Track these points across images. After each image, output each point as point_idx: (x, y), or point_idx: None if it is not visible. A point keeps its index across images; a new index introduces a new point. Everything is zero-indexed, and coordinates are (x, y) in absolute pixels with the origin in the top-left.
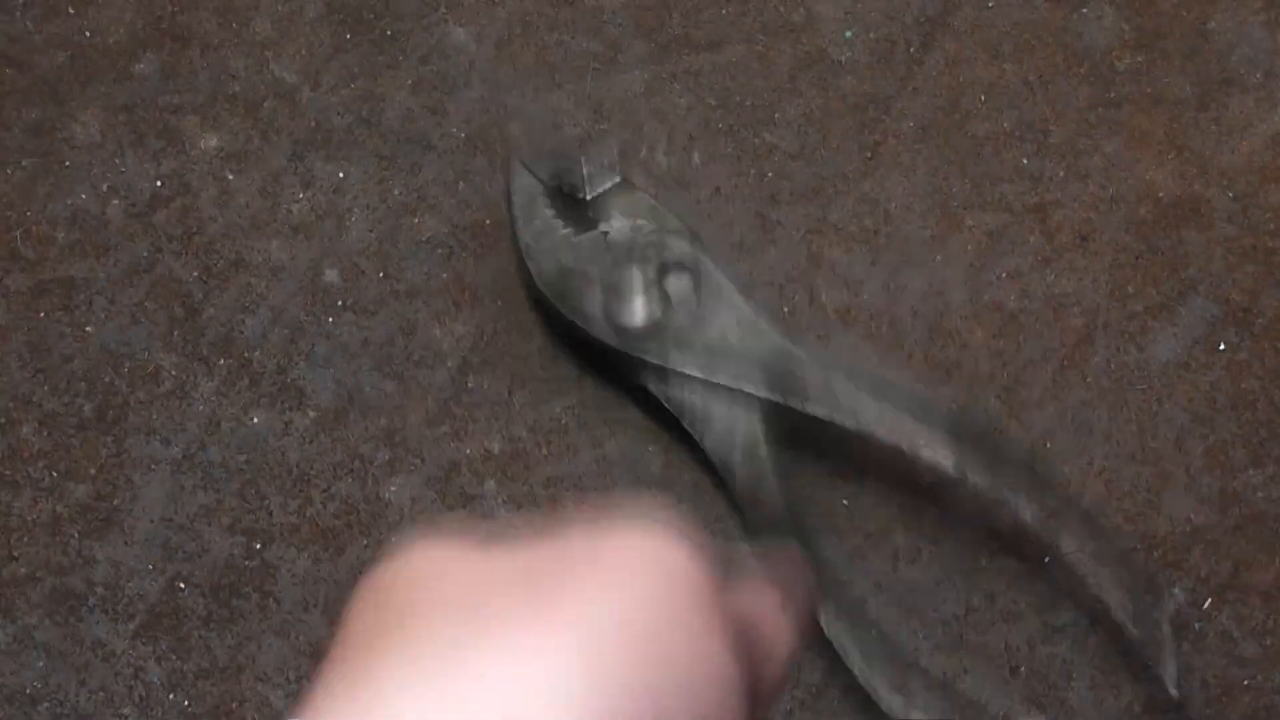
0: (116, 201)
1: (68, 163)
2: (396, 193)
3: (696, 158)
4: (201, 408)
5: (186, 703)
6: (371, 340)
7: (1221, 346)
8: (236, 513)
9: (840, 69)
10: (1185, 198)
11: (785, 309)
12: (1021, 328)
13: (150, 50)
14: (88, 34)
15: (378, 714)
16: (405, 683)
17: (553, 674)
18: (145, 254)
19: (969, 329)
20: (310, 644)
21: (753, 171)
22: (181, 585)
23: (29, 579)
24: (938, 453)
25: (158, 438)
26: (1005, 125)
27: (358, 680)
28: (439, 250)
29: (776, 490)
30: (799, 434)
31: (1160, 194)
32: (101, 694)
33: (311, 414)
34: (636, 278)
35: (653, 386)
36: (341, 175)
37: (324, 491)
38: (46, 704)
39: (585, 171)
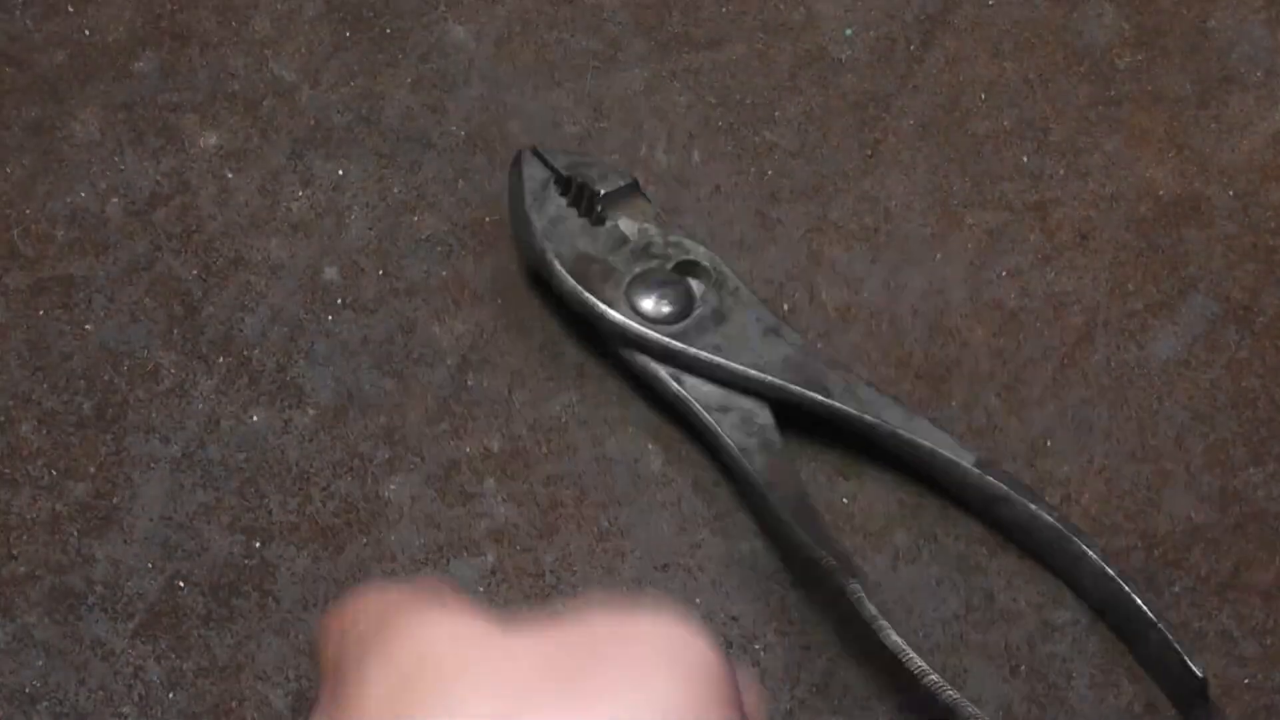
0: (116, 200)
1: (67, 161)
2: (396, 191)
3: (696, 156)
4: (201, 406)
5: (186, 701)
6: (371, 338)
7: (1230, 348)
8: (236, 511)
9: (840, 67)
10: (1185, 196)
11: (785, 307)
12: (1022, 326)
13: (149, 48)
14: (87, 32)
15: None
16: None
17: None
18: (144, 252)
19: (969, 327)
20: (310, 643)
21: (753, 169)
22: (181, 584)
23: (28, 577)
24: (958, 452)
25: (157, 436)
26: (1005, 123)
27: None
28: (439, 248)
29: (796, 475)
30: (813, 429)
31: (1160, 192)
32: (101, 693)
33: (311, 412)
34: (659, 271)
35: (669, 374)
36: (341, 173)
37: (323, 490)
38: (46, 703)
39: (598, 169)
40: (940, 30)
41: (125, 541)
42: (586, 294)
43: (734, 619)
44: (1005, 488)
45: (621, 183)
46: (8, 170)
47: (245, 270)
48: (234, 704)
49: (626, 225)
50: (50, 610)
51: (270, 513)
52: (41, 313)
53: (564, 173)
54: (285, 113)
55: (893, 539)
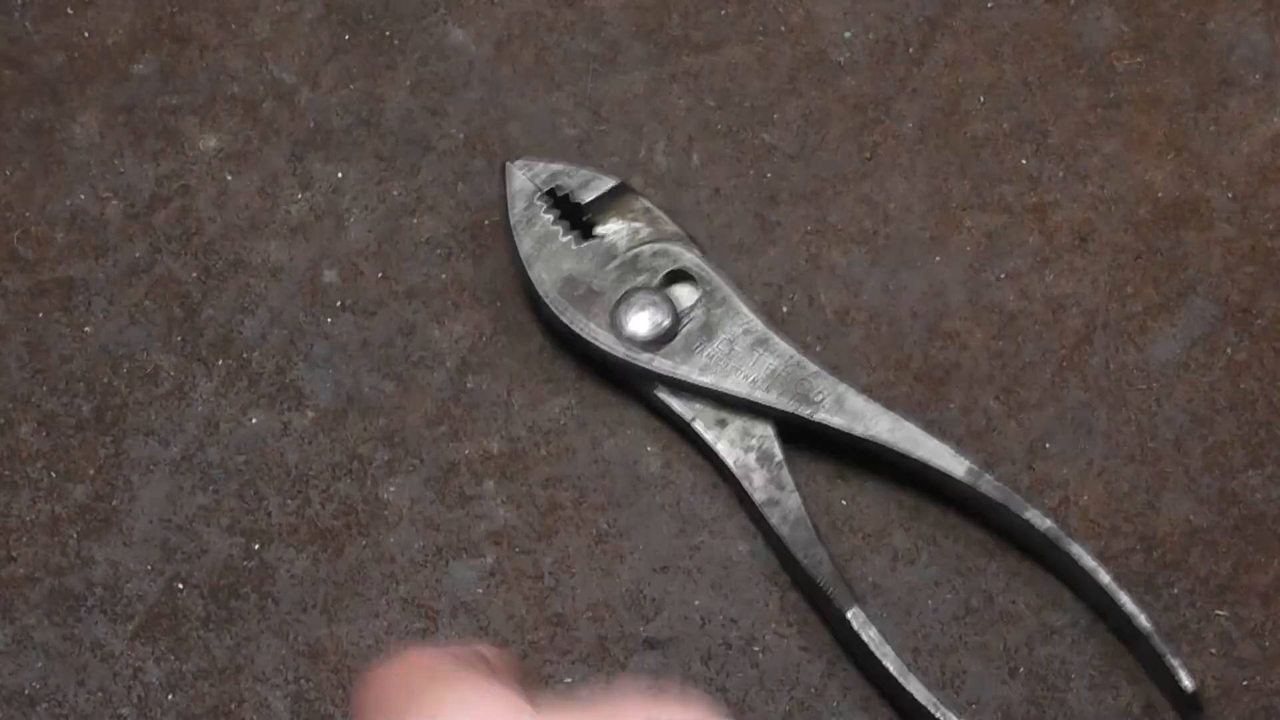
0: (115, 202)
1: (66, 163)
2: (395, 193)
3: (696, 159)
4: (200, 408)
5: (185, 703)
6: (370, 341)
7: (1228, 351)
8: (235, 513)
9: (840, 70)
10: (1184, 198)
11: (784, 310)
12: (1020, 328)
13: (149, 51)
14: (87, 34)
15: None
16: None
17: None
18: (144, 254)
19: (968, 329)
20: (309, 644)
21: (752, 172)
22: (180, 586)
23: (28, 580)
24: (950, 462)
25: (156, 438)
26: (1004, 126)
27: None
28: (438, 251)
29: (795, 492)
30: (809, 440)
31: (1159, 194)
32: (100, 694)
33: (310, 414)
34: (643, 288)
35: (662, 395)
36: (340, 176)
37: (323, 492)
38: (45, 704)
39: (580, 177)
40: (939, 33)
41: (124, 544)
42: (572, 325)
43: (733, 620)
44: (996, 497)
45: (606, 187)
46: (7, 172)
47: (245, 273)
48: (233, 705)
49: (617, 231)
50: (50, 612)
51: (269, 515)
52: (41, 315)
53: (548, 186)
54: (285, 115)
55: (891, 541)
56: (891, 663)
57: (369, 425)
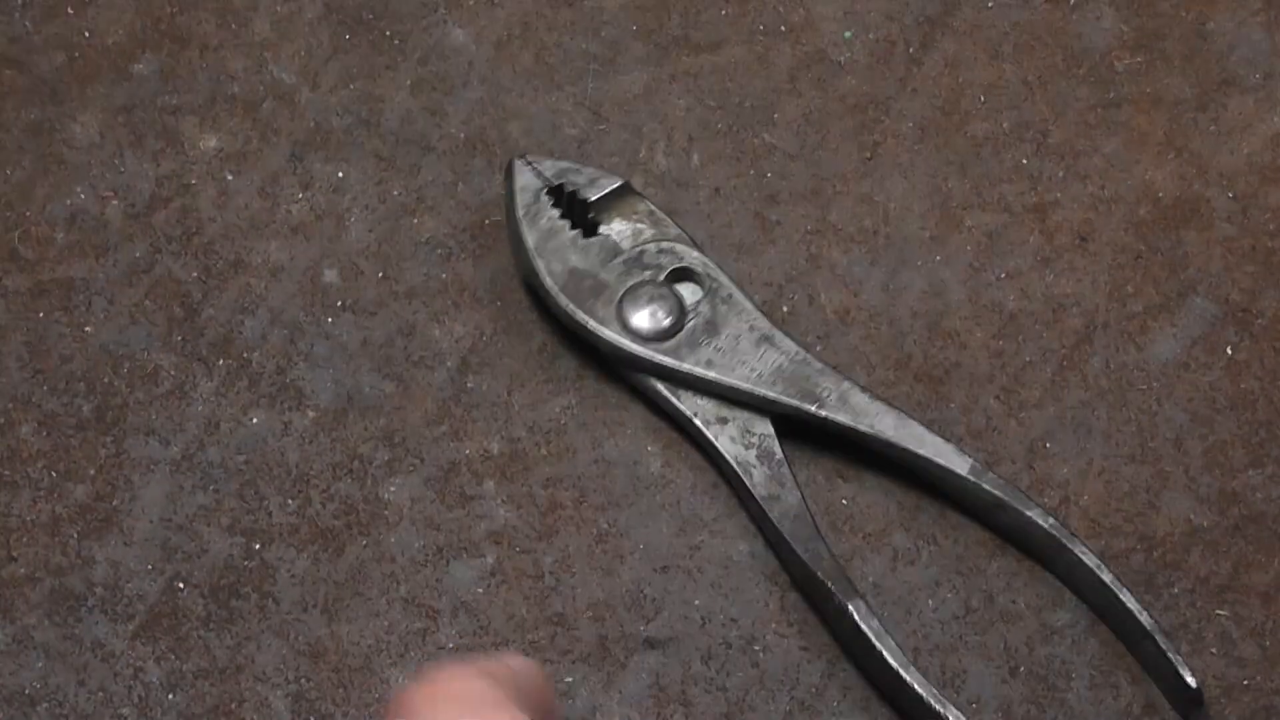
0: (116, 202)
1: (67, 163)
2: (395, 193)
3: (696, 158)
4: (200, 408)
5: (185, 703)
6: (371, 340)
7: (1229, 351)
8: (236, 513)
9: (839, 69)
10: (1185, 198)
11: (785, 309)
12: (1021, 328)
13: (149, 51)
14: (87, 34)
15: None
16: None
17: None
18: (144, 254)
19: (968, 329)
20: (309, 644)
21: (752, 172)
22: (181, 586)
23: (28, 579)
24: (953, 459)
25: (157, 438)
26: (1004, 125)
27: None
28: (438, 251)
29: (796, 489)
30: (811, 436)
31: (1160, 194)
32: (100, 694)
33: (311, 414)
34: (650, 283)
35: (665, 388)
36: (340, 176)
37: (323, 492)
38: (45, 704)
39: (587, 174)
40: (939, 33)
41: (125, 543)
42: (579, 314)
43: (733, 620)
44: (1000, 495)
45: (612, 186)
46: (7, 172)
47: (245, 273)
48: (233, 705)
49: (620, 230)
50: (50, 612)
51: (270, 514)
52: (41, 315)
53: (554, 182)
54: (285, 115)
55: (892, 540)
56: (893, 655)
57: (369, 425)
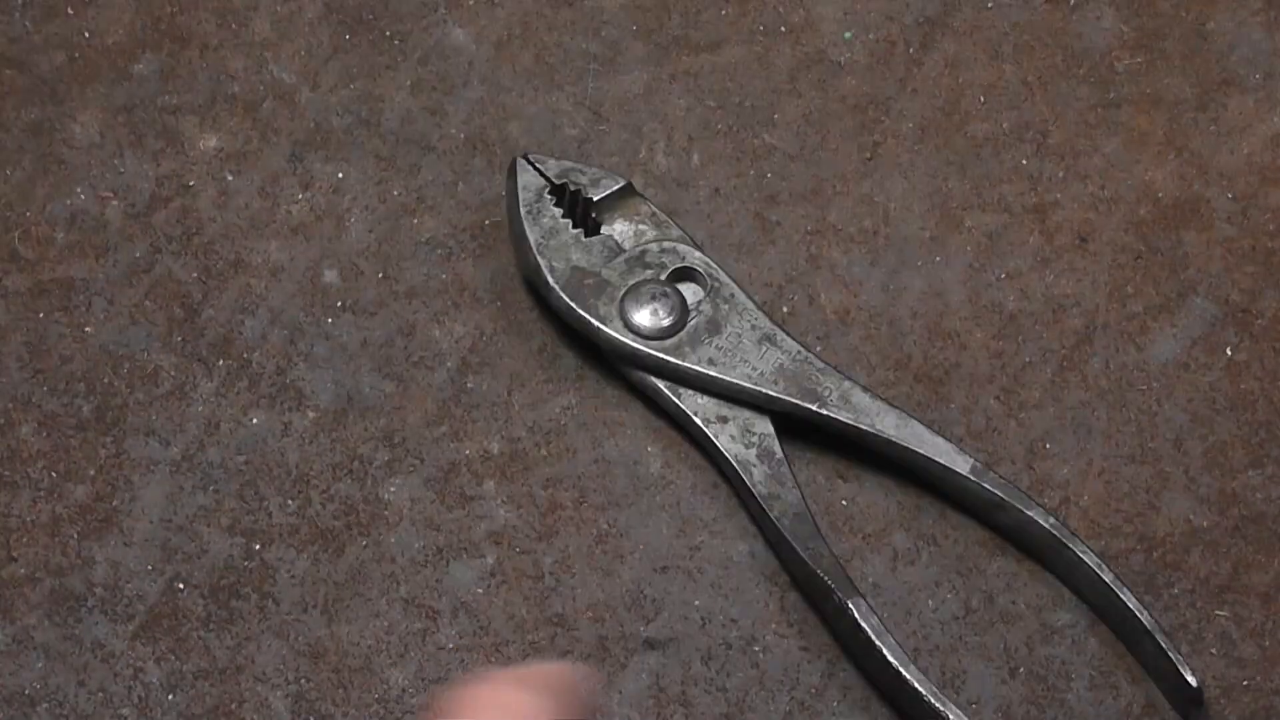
0: (116, 202)
1: (67, 163)
2: (396, 193)
3: (696, 159)
4: (201, 408)
5: (185, 703)
6: (371, 341)
7: (1229, 351)
8: (236, 513)
9: (839, 70)
10: (1185, 198)
11: (785, 309)
12: (1021, 328)
13: (149, 51)
14: (87, 34)
15: None
16: None
17: None
18: (144, 255)
19: (968, 329)
20: (309, 644)
21: (752, 172)
22: (181, 586)
23: (28, 580)
24: (954, 459)
25: (157, 438)
26: (1004, 126)
27: None
28: (438, 251)
29: (796, 488)
30: (811, 435)
31: (1160, 194)
32: (100, 695)
33: (311, 415)
34: (652, 282)
35: (666, 386)
36: (341, 176)
37: (323, 492)
38: (45, 705)
39: (590, 174)
40: (939, 33)
41: (125, 544)
42: (581, 312)
43: (733, 620)
44: (1000, 494)
45: (614, 186)
46: (7, 172)
47: (245, 273)
48: (233, 706)
49: (622, 230)
50: (50, 612)
51: (270, 515)
52: (41, 315)
53: (557, 181)
54: (285, 115)
55: (892, 540)
56: (892, 653)
57: (369, 425)
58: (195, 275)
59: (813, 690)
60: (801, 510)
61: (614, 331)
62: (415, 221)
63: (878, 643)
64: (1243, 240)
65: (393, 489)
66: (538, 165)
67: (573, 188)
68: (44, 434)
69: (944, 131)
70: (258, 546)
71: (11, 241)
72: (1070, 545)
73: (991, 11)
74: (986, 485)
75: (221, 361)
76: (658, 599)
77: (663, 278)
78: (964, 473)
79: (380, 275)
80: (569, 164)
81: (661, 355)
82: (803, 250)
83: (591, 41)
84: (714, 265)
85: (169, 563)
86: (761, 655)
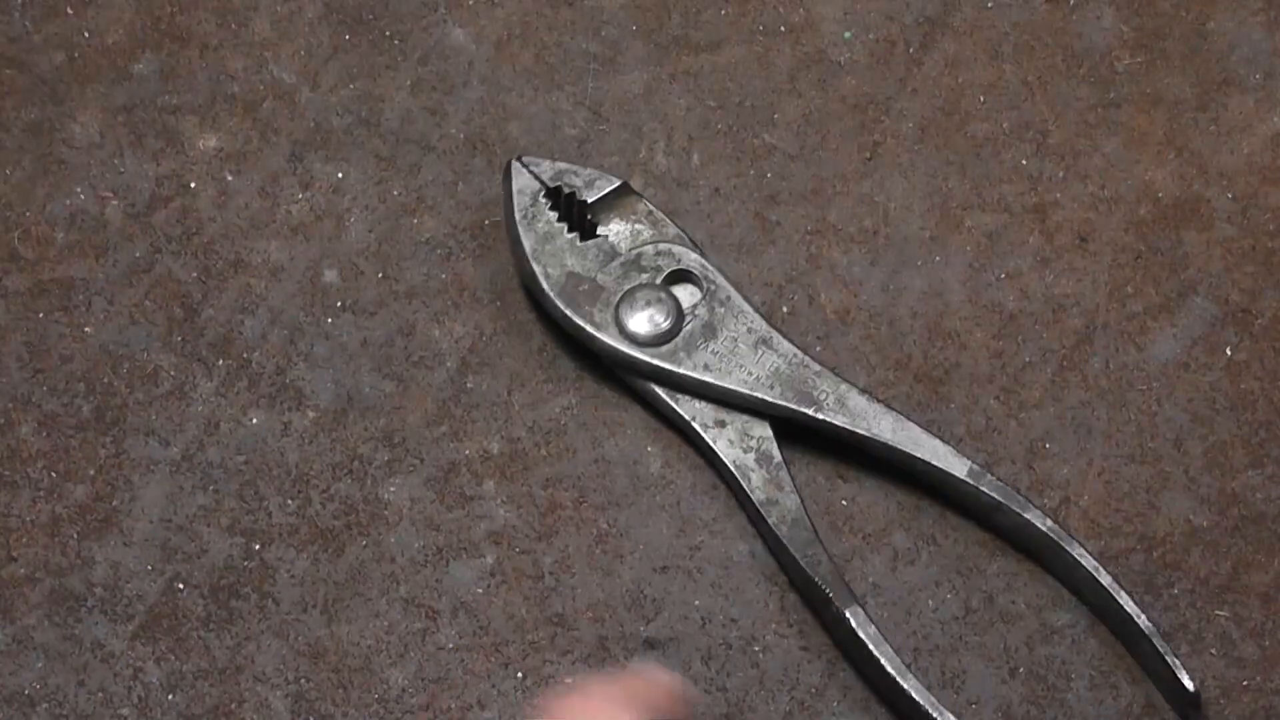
0: (115, 202)
1: (66, 163)
2: (395, 193)
3: (696, 158)
4: (200, 408)
5: (185, 703)
6: (370, 341)
7: (1229, 351)
8: (235, 513)
9: (840, 70)
10: (1185, 198)
11: (785, 309)
12: (1021, 328)
13: (149, 51)
14: (86, 34)
15: None
16: None
17: None
18: (144, 255)
19: (968, 329)
20: (309, 644)
21: (752, 172)
22: (180, 586)
23: (28, 580)
24: (952, 461)
25: (157, 438)
26: (1004, 126)
27: None
28: (438, 251)
29: (794, 493)
30: (810, 438)
31: (1160, 194)
32: (100, 694)
33: (310, 414)
34: (647, 286)
35: (663, 392)
36: (340, 176)
37: (323, 492)
38: (45, 705)
39: (585, 176)
40: (939, 33)
41: (125, 544)
42: (576, 319)
43: (733, 620)
44: (998, 497)
45: (610, 187)
46: (7, 172)
47: (245, 273)
48: (233, 705)
49: (619, 231)
50: (50, 612)
51: (270, 515)
52: (41, 315)
53: (551, 184)
54: (285, 115)
55: (892, 541)
56: (889, 662)
57: (369, 425)
58: (195, 275)
59: (813, 690)
60: (800, 516)
61: (609, 339)
62: (415, 221)
63: (875, 652)
64: (1243, 240)
65: (393, 489)
66: (532, 168)
67: (567, 190)
68: (44, 434)
69: (944, 131)
70: (258, 546)
71: (11, 241)
72: (1068, 547)
73: (991, 11)
74: (984, 488)
75: (221, 361)
76: (658, 599)
77: (658, 281)
78: (961, 475)
79: (380, 275)
80: (564, 165)
81: (657, 362)
82: (803, 250)
83: (591, 41)
84: (710, 267)
85: (169, 563)
86: (761, 655)
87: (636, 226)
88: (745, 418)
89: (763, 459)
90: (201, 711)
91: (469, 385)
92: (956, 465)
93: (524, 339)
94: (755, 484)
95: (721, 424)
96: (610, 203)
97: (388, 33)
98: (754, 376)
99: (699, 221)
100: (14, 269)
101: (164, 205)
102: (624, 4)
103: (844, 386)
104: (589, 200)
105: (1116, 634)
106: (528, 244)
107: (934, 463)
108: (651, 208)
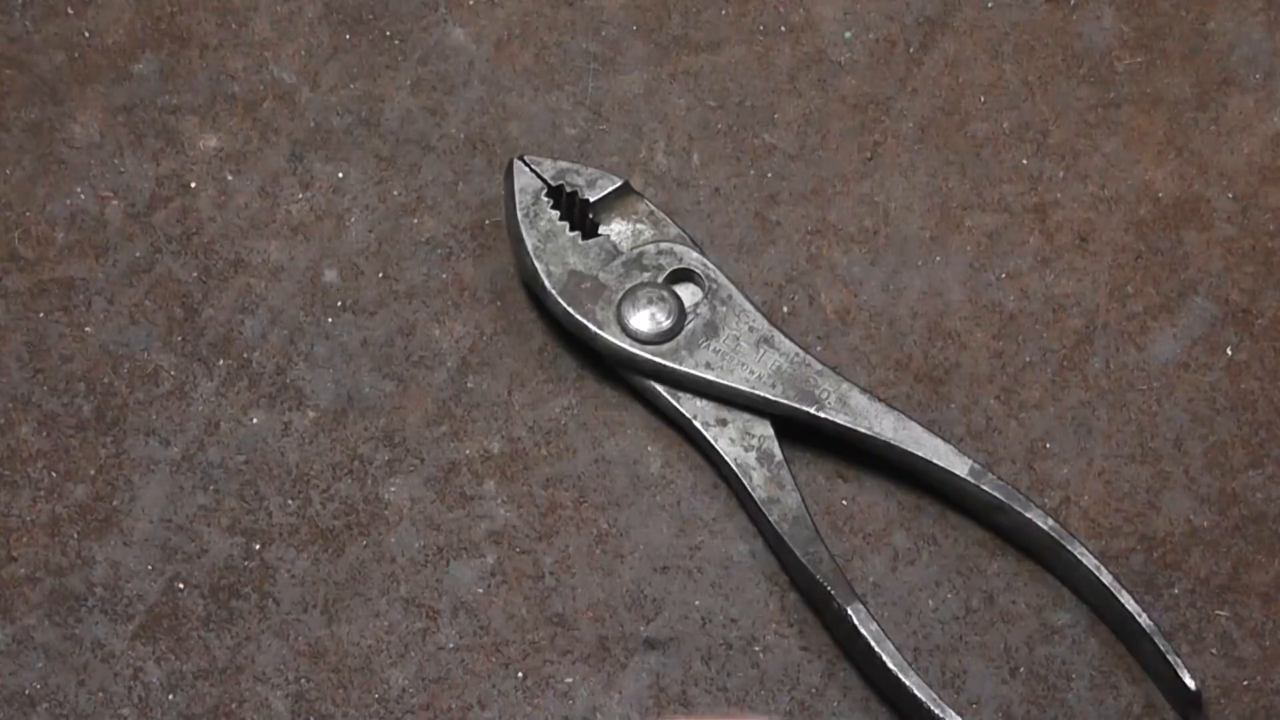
0: (116, 202)
1: (66, 163)
2: (396, 193)
3: (696, 158)
4: (201, 408)
5: (185, 703)
6: (371, 341)
7: (1229, 351)
8: (236, 513)
9: (840, 69)
10: (1185, 198)
11: (785, 309)
12: (1021, 328)
13: (149, 50)
14: (87, 34)
15: None
16: None
17: None
18: (144, 254)
19: (968, 329)
20: (309, 644)
21: (752, 172)
22: (180, 586)
23: (28, 579)
24: (953, 461)
25: (157, 438)
26: (1005, 126)
27: None
28: (438, 251)
29: (795, 491)
30: (811, 437)
31: (1160, 194)
32: (100, 695)
33: (311, 414)
34: (649, 285)
35: (665, 390)
36: (341, 176)
37: (323, 492)
38: (45, 705)
39: (587, 175)
40: (939, 33)
41: (125, 543)
42: (578, 317)
43: (733, 620)
44: (999, 496)
45: (612, 186)
46: (7, 172)
47: (245, 273)
48: (233, 706)
49: (620, 231)
50: (50, 612)
51: (270, 515)
52: (41, 315)
53: (553, 182)
54: (285, 115)
55: (892, 540)
56: (891, 659)
57: (369, 425)
58: (195, 275)
59: (813, 690)
60: (801, 514)
61: (611, 336)
62: (415, 221)
63: (877, 649)
64: (1243, 240)
65: (393, 489)
66: (534, 167)
67: (569, 189)
68: (44, 434)
69: (944, 131)
70: (258, 546)
71: (11, 241)
72: (1069, 547)
73: (991, 11)
74: (985, 487)
75: (221, 361)
76: (658, 599)
77: (660, 280)
78: (963, 475)
79: (380, 275)
80: (566, 164)
81: (659, 360)
82: (803, 250)
83: (591, 41)
84: (711, 266)
85: (169, 563)
86: (761, 655)
87: (638, 226)
88: (746, 416)
89: (764, 457)
90: (201, 711)
91: (469, 385)
92: (957, 465)
93: (524, 339)
94: (756, 482)
95: (723, 422)
96: (612, 202)
97: (388, 33)
98: (756, 375)
99: (699, 221)
100: (14, 269)
101: (164, 205)
102: (624, 4)
103: (845, 385)
104: (591, 199)
105: (1117, 634)
106: (530, 242)
107: (935, 462)
108: (653, 207)
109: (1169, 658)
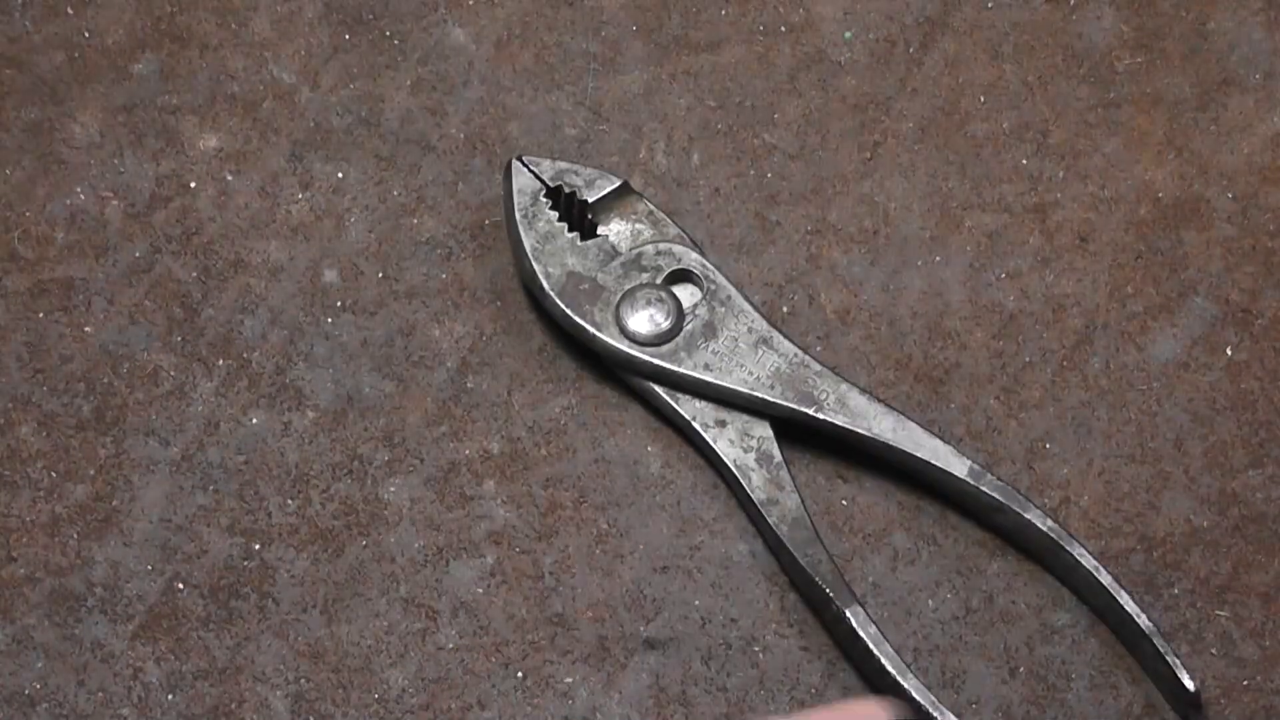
0: (115, 202)
1: (66, 163)
2: (395, 193)
3: (696, 158)
4: (200, 408)
5: (185, 703)
6: (370, 341)
7: (1229, 351)
8: (235, 513)
9: (840, 69)
10: (1185, 198)
11: (785, 309)
12: (1021, 328)
13: (149, 50)
14: (86, 34)
15: None
16: None
17: None
18: (144, 254)
19: (968, 329)
20: (309, 644)
21: (752, 172)
22: (180, 586)
23: (27, 580)
24: (952, 461)
25: (156, 438)
26: (1004, 126)
27: None
28: (438, 251)
29: (795, 492)
30: (810, 438)
31: (1160, 194)
32: (100, 695)
33: (310, 414)
34: (648, 286)
35: (664, 391)
36: (340, 176)
37: (323, 492)
38: (45, 705)
39: (586, 175)
40: (939, 32)
41: (125, 544)
42: (576, 318)
43: (733, 620)
44: (998, 497)
45: (610, 186)
46: (7, 172)
47: (245, 273)
48: (233, 706)
49: (618, 231)
50: (50, 612)
51: (269, 515)
52: (41, 315)
53: (552, 183)
54: (285, 115)
55: (892, 540)
56: (890, 661)
57: (369, 425)
58: (195, 275)
59: (813, 690)
60: (800, 515)
61: (609, 338)
62: (415, 221)
63: (876, 651)
64: (1243, 240)
65: (393, 489)
66: (532, 167)
67: (568, 189)
68: (44, 434)
69: (944, 131)
70: (258, 546)
71: (11, 241)
72: (1068, 547)
73: (991, 11)
74: (984, 488)
75: (221, 361)
76: (658, 599)
77: (659, 281)
78: (962, 475)
79: (380, 275)
80: (564, 165)
81: (657, 361)
82: (803, 250)
83: (591, 41)
84: (710, 266)
85: (169, 563)
86: (761, 655)
87: (637, 226)
88: (745, 417)
89: (763, 458)
90: (201, 711)
91: (469, 385)
92: (957, 465)
93: (524, 339)
94: (756, 483)
95: (722, 423)
96: (611, 202)
97: (388, 33)
98: (754, 376)
99: (699, 221)
100: (14, 269)
101: (164, 205)
102: (624, 4)
103: (844, 386)
104: (590, 200)
105: (1116, 634)
106: (528, 243)
107: (934, 462)
108: (652, 207)
109: (1168, 658)
